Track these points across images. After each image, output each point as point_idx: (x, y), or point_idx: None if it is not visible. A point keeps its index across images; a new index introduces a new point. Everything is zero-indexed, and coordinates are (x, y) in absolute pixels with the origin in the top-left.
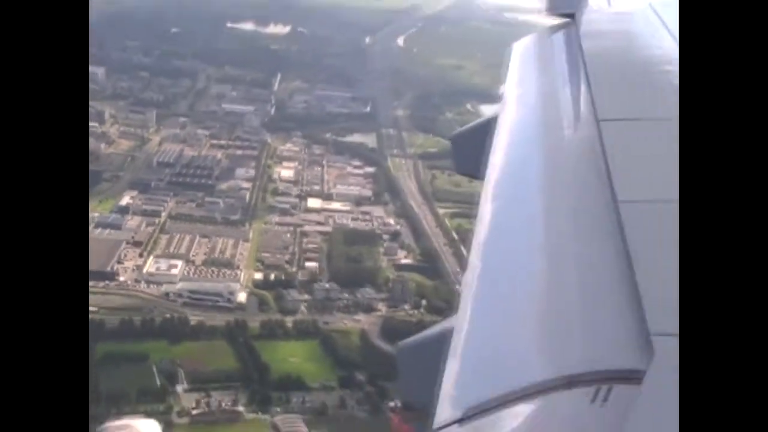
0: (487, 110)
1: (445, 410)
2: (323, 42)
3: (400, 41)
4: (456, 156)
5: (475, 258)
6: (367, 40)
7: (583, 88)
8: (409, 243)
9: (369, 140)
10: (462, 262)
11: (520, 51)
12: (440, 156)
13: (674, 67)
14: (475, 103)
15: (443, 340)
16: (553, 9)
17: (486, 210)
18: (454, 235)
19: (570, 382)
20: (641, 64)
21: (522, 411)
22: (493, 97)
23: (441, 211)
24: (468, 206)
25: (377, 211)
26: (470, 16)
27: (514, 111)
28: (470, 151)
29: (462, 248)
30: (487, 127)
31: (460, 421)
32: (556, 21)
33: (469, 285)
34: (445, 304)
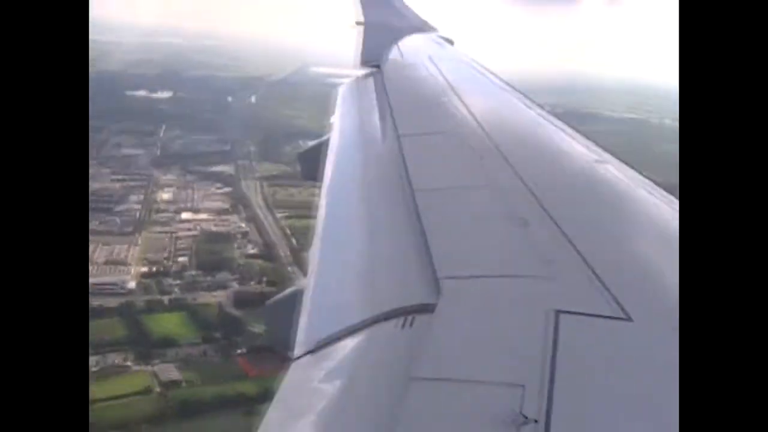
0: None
1: (301, 346)
2: (197, 102)
3: (253, 99)
4: (302, 167)
5: (316, 236)
6: (229, 99)
7: (388, 113)
8: (255, 239)
9: (228, 169)
10: (292, 250)
11: (344, 91)
12: (280, 177)
13: (447, 98)
14: (306, 140)
15: (297, 297)
16: (365, 62)
17: (323, 203)
18: (287, 231)
19: (387, 316)
20: (426, 96)
21: (356, 339)
22: (320, 134)
23: (279, 215)
24: (299, 211)
25: (233, 218)
26: (305, 81)
27: (341, 132)
28: (311, 162)
29: (293, 240)
30: (323, 146)
31: (312, 352)
32: (368, 70)
33: (313, 256)
34: (280, 279)
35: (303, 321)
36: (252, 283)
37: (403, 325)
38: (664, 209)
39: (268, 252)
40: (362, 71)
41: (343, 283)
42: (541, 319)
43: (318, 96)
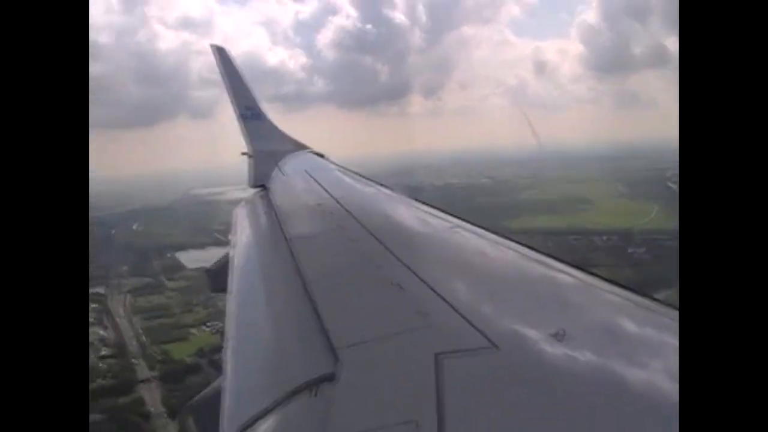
0: (185, 256)
1: None
2: None
3: (135, 227)
4: (210, 281)
5: (227, 337)
6: (113, 231)
7: (276, 222)
8: (110, 342)
9: (100, 290)
10: (141, 346)
11: (238, 212)
12: (143, 288)
13: (323, 201)
14: (173, 252)
15: (218, 394)
16: (253, 184)
17: (230, 308)
18: (140, 332)
19: (296, 391)
20: (307, 205)
21: (273, 418)
22: (187, 245)
23: (134, 319)
24: (153, 313)
25: (93, 329)
26: (191, 201)
27: (239, 246)
28: (217, 276)
29: (143, 338)
30: (226, 260)
31: None
32: (256, 190)
33: (226, 354)
34: (122, 372)
35: (224, 412)
36: (98, 380)
37: (311, 394)
38: (511, 255)
39: (119, 351)
40: (253, 191)
41: (255, 371)
42: (425, 362)
43: (193, 214)
